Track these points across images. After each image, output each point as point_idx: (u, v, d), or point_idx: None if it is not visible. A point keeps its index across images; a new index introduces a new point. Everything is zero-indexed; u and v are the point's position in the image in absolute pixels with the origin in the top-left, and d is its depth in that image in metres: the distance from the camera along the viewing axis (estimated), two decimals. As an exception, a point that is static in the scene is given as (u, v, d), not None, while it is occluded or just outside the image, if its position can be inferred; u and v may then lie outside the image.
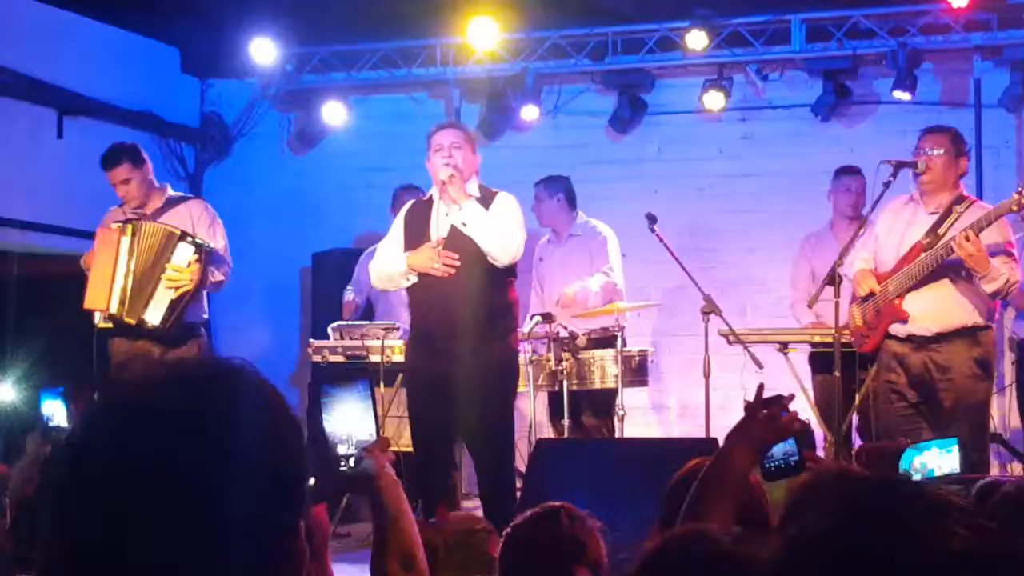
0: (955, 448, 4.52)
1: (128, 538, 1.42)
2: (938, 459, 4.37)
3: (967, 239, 6.16)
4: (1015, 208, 6.33)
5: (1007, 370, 8.28)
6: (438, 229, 6.35)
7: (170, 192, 7.66)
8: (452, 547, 3.06)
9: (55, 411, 6.47)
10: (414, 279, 6.38)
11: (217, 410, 1.48)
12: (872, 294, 6.65)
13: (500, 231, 6.31)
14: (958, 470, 4.60)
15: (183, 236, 7.19)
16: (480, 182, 6.52)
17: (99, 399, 1.54)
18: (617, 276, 8.23)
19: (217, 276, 7.38)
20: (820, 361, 7.57)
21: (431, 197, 6.54)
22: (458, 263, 6.21)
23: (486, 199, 6.41)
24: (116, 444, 1.46)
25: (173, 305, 7.17)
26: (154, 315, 7.19)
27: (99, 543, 1.44)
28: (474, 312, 6.25)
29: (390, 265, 6.49)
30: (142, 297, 7.19)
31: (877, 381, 6.66)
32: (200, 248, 7.20)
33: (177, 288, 7.17)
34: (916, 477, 3.97)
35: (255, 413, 1.50)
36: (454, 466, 6.68)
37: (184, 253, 7.18)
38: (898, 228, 6.67)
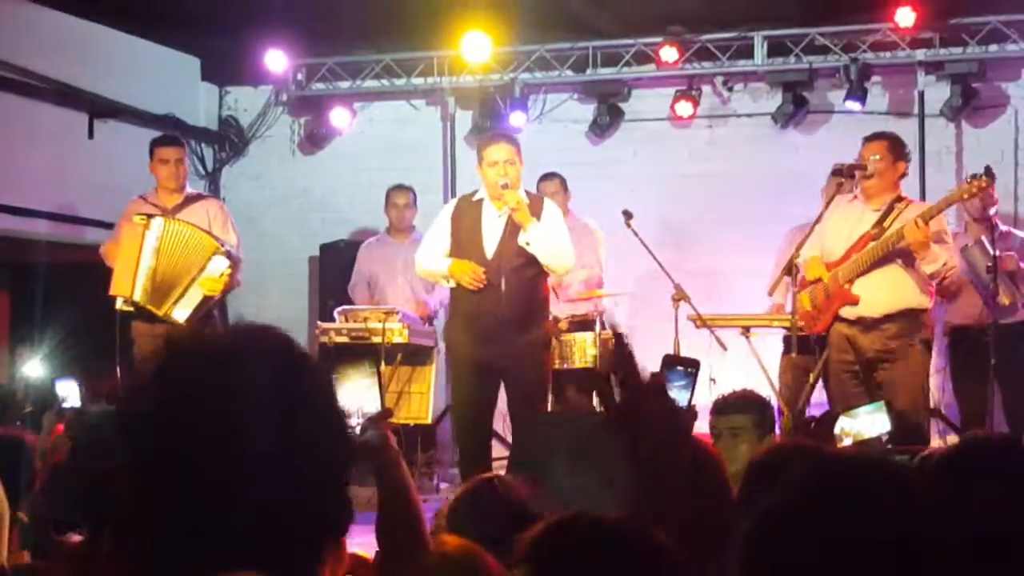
0: (883, 407, 4.51)
1: (194, 502, 1.38)
2: (870, 422, 4.36)
3: (917, 225, 6.21)
4: (965, 197, 6.38)
5: (943, 353, 8.28)
6: (492, 232, 6.40)
7: (190, 190, 7.65)
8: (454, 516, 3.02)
9: (69, 392, 6.47)
10: (454, 284, 6.44)
11: (274, 375, 1.44)
12: (820, 279, 6.68)
13: (559, 248, 6.41)
14: (890, 428, 4.58)
15: (218, 250, 7.14)
16: (524, 188, 6.55)
17: (159, 372, 1.48)
18: (602, 271, 8.23)
19: (238, 280, 7.41)
20: (788, 343, 7.56)
21: (480, 200, 6.52)
22: (485, 282, 6.28)
23: (534, 205, 6.44)
24: (189, 411, 1.42)
25: (200, 307, 7.15)
26: (181, 314, 7.15)
27: (169, 506, 1.39)
28: (519, 305, 6.36)
29: (434, 267, 6.56)
30: (167, 290, 7.14)
31: (832, 361, 6.67)
32: (233, 261, 7.17)
33: (207, 294, 7.14)
34: (848, 440, 3.95)
35: (305, 378, 1.48)
36: (490, 438, 6.74)
37: (219, 265, 7.15)
38: (846, 223, 6.71)
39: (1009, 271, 7.54)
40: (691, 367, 2.54)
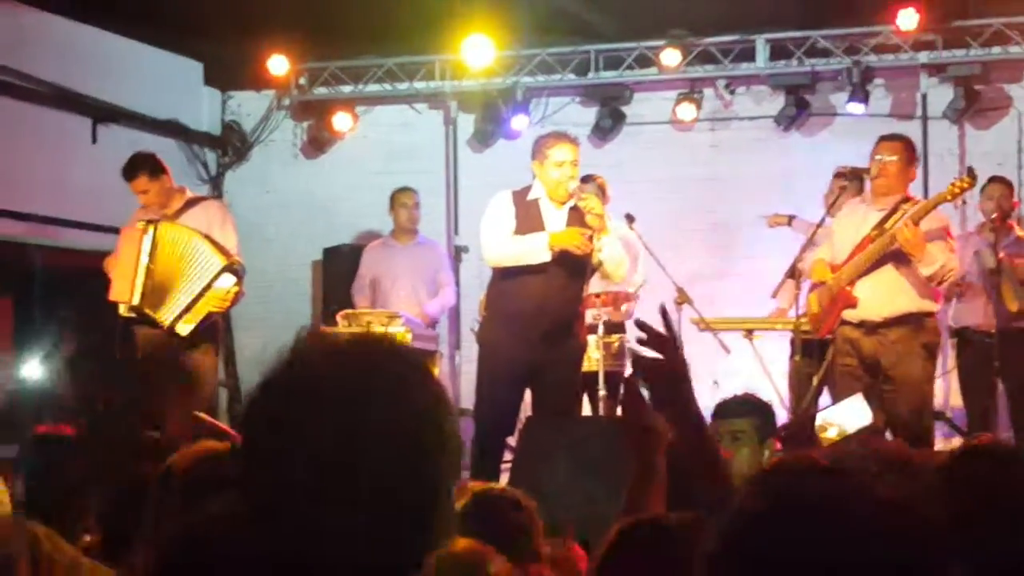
0: (862, 399, 4.51)
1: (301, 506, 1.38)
2: (851, 414, 4.36)
3: (905, 226, 6.20)
4: (949, 198, 6.35)
5: (949, 355, 8.30)
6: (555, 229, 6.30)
7: (189, 194, 7.56)
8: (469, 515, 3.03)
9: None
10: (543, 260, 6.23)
11: (389, 389, 1.43)
12: (824, 282, 6.66)
13: (623, 255, 6.41)
14: (870, 419, 4.59)
15: (227, 267, 7.10)
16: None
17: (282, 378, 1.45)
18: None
19: (243, 291, 7.38)
20: (793, 346, 7.56)
21: (536, 199, 6.38)
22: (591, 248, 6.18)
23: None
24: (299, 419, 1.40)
25: (203, 321, 7.13)
26: (184, 328, 7.11)
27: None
28: (573, 306, 6.35)
29: (522, 245, 6.27)
30: (164, 293, 7.10)
31: (834, 364, 6.66)
32: (240, 277, 7.14)
33: (213, 310, 7.12)
34: (833, 432, 3.96)
35: (417, 390, 1.45)
36: (508, 444, 6.68)
37: (226, 282, 7.12)
38: (852, 225, 6.67)
39: (1021, 278, 7.52)
40: None
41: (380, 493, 1.38)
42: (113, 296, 7.19)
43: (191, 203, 7.44)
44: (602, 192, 7.78)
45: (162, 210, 7.33)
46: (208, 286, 7.07)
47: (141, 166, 7.33)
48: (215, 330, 7.36)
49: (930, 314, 6.47)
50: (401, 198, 9.01)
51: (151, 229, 7.13)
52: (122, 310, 7.18)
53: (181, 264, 7.13)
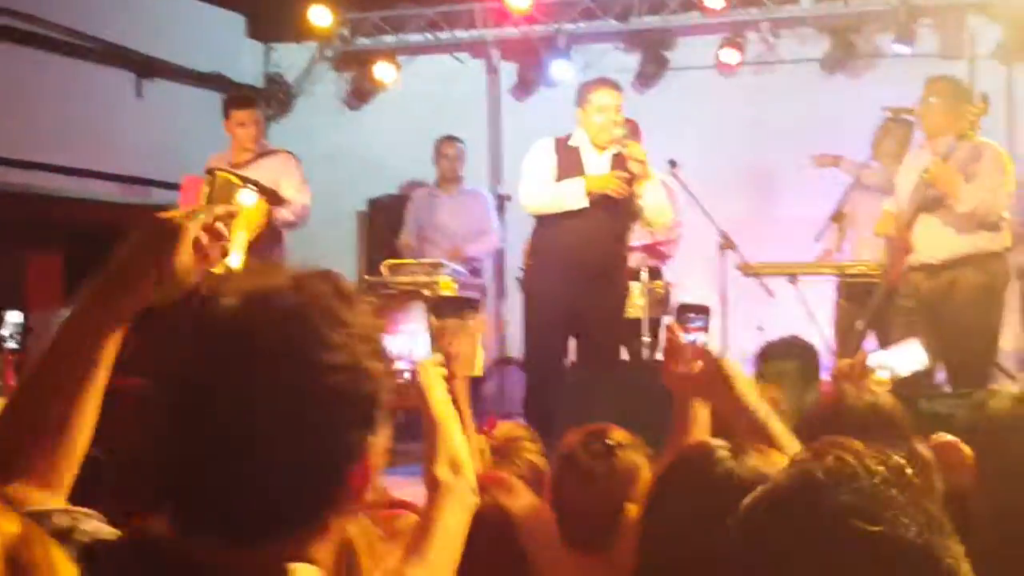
0: (919, 344, 4.46)
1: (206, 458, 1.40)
2: (904, 357, 4.31)
3: (934, 163, 6.10)
4: (966, 128, 6.20)
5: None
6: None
7: (265, 144, 7.64)
8: (497, 452, 3.11)
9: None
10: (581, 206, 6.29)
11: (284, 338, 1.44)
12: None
13: (665, 203, 6.45)
14: (927, 364, 4.53)
15: (243, 183, 7.10)
16: None
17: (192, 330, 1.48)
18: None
19: (287, 217, 7.35)
20: (839, 289, 7.50)
21: (576, 146, 6.44)
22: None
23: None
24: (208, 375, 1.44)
25: (248, 247, 7.12)
26: (235, 259, 7.13)
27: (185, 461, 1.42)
28: (610, 254, 6.39)
29: (558, 193, 6.34)
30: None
31: (895, 306, 6.52)
32: (263, 191, 7.13)
33: (249, 230, 7.11)
34: (885, 374, 3.92)
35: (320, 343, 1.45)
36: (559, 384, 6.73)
37: (247, 199, 7.12)
38: (910, 171, 6.56)
39: None
40: (703, 313, 2.78)
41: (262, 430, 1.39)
42: None
43: (263, 154, 7.47)
44: (633, 133, 7.77)
45: (242, 153, 7.35)
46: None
47: (255, 99, 7.51)
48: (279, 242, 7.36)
49: (994, 254, 6.27)
50: (442, 148, 9.03)
51: (209, 180, 7.19)
52: None
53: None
